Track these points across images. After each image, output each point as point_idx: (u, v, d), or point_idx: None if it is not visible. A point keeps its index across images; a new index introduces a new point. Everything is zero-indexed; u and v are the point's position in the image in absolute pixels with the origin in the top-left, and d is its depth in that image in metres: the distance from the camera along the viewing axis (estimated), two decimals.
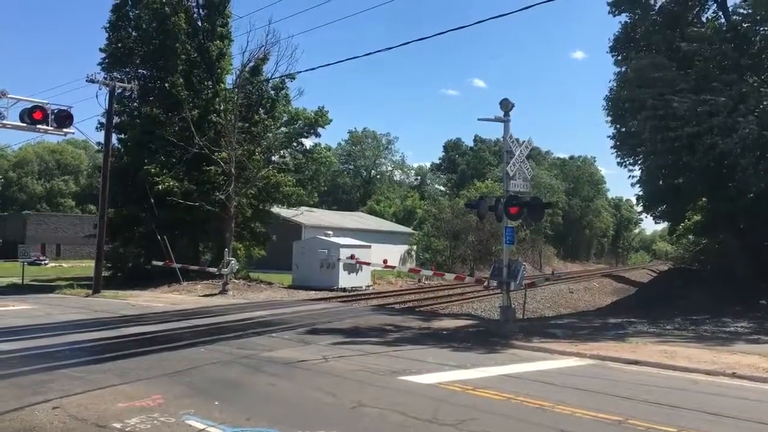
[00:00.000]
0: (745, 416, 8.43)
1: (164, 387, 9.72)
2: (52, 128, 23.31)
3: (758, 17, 25.58)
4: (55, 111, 23.21)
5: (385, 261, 32.06)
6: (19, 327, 17.13)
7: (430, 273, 26.83)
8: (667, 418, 8.16)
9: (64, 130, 24.05)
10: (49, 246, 78.43)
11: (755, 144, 23.60)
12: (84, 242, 62.58)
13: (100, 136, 33.53)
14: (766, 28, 25.61)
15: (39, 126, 22.89)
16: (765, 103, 23.89)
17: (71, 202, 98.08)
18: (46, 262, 65.80)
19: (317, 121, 37.93)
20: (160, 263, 31.10)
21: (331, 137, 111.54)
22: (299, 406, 8.85)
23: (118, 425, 7.74)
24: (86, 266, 49.71)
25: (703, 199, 33.63)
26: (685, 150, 24.99)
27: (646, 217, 73.37)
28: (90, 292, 28.76)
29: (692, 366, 11.91)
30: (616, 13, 30.06)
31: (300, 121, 37.95)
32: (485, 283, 23.31)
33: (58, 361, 11.79)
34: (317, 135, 39.02)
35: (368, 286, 36.72)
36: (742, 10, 27.08)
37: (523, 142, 17.98)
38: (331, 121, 38.28)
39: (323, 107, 38.08)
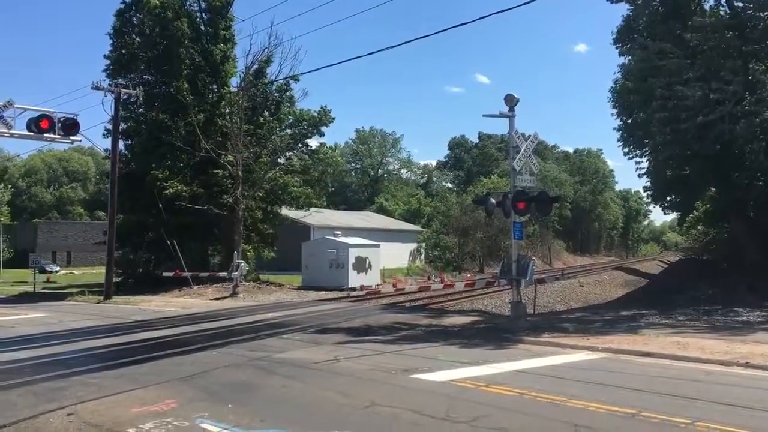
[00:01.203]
0: (760, 406, 8.39)
1: (177, 391, 9.76)
2: (59, 136, 23.40)
3: (760, 3, 25.43)
4: (62, 119, 23.29)
5: (395, 285, 32.25)
6: (33, 335, 17.24)
7: (440, 286, 26.95)
8: (680, 410, 8.12)
9: (71, 138, 24.14)
10: (59, 253, 78.85)
11: (764, 130, 23.54)
12: (94, 249, 62.86)
13: (107, 143, 33.74)
14: (766, 14, 25.47)
15: (46, 135, 22.97)
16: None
17: (80, 210, 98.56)
18: (57, 269, 66.21)
19: (321, 120, 37.94)
20: (170, 274, 31.08)
21: (337, 137, 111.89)
22: (312, 407, 8.86)
23: (132, 430, 7.78)
24: (97, 273, 49.98)
25: (712, 188, 33.49)
26: (694, 139, 24.90)
27: (654, 207, 73.23)
28: (101, 298, 28.94)
29: (705, 357, 11.86)
30: (615, 0, 29.85)
31: (304, 122, 37.96)
32: (495, 282, 23.37)
33: (71, 368, 11.85)
34: (321, 134, 39.05)
35: (378, 285, 36.73)
36: None
37: (529, 136, 17.96)
38: (333, 119, 38.21)
39: (326, 106, 38.15)
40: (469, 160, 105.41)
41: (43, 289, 38.48)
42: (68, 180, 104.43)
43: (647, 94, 26.42)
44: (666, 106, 25.06)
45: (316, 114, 37.88)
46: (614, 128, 33.80)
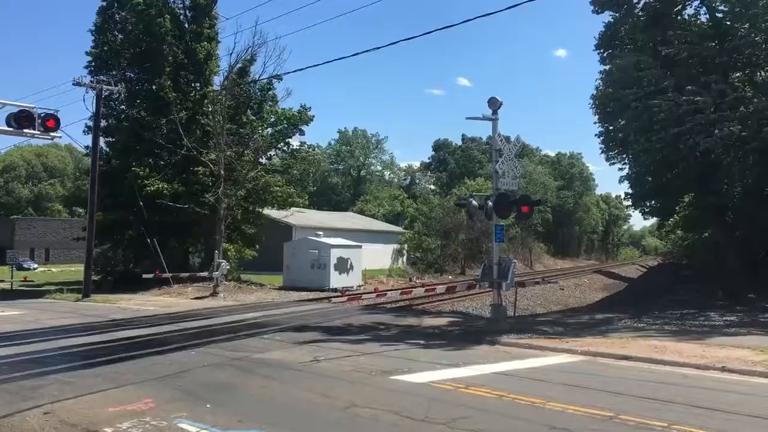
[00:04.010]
0: (735, 410, 8.49)
1: (156, 391, 9.69)
2: (39, 132, 23.05)
3: (737, 11, 25.67)
4: (42, 115, 22.95)
5: (376, 289, 32.22)
6: (9, 333, 17.01)
7: (421, 291, 27.02)
8: (657, 413, 8.21)
9: (51, 134, 23.79)
10: (38, 250, 77.91)
11: (736, 143, 23.79)
12: (73, 246, 62.25)
13: (88, 140, 33.44)
14: (746, 25, 25.76)
15: (26, 130, 22.64)
16: (746, 102, 24.00)
17: (58, 206, 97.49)
18: (35, 267, 65.45)
19: (301, 118, 37.84)
20: (150, 275, 30.79)
21: (320, 137, 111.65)
22: (291, 408, 8.84)
23: (109, 430, 7.72)
24: (76, 270, 49.47)
25: (691, 194, 33.86)
26: (669, 149, 25.18)
27: (634, 211, 74.00)
28: (80, 296, 28.62)
29: (682, 360, 11.99)
30: (599, 11, 30.00)
31: (285, 121, 37.82)
32: (477, 286, 23.46)
33: (48, 367, 11.72)
34: (302, 133, 38.95)
35: (359, 286, 36.73)
36: (723, 7, 27.24)
37: (512, 140, 18.06)
38: (313, 117, 38.05)
39: (305, 105, 38.06)
40: (453, 162, 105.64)
41: (21, 286, 38.01)
42: (47, 176, 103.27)
43: (624, 103, 26.69)
44: (640, 116, 25.31)
45: (296, 113, 37.77)
46: (595, 134, 34.08)
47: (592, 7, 30.00)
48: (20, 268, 49.66)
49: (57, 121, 23.53)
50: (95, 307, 24.69)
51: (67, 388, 9.91)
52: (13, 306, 25.46)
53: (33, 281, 43.38)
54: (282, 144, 39.10)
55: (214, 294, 29.29)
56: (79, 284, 30.87)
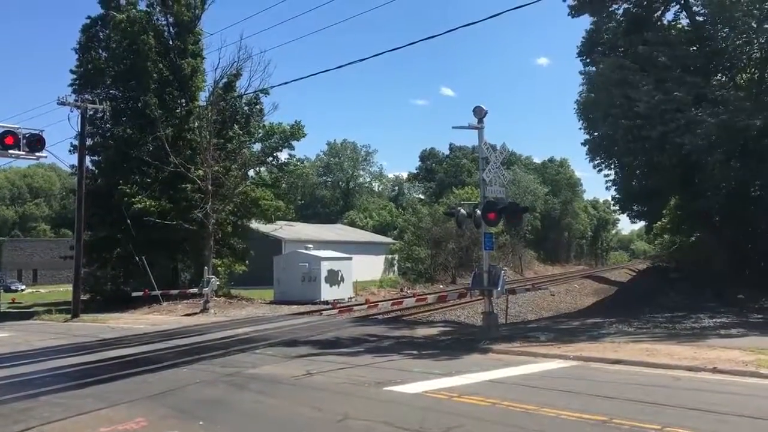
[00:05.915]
0: (727, 410, 8.52)
1: (147, 409, 9.60)
2: (24, 153, 23.02)
3: (715, 16, 25.98)
4: (27, 135, 22.93)
5: (367, 300, 32.13)
6: None
7: (412, 300, 27.07)
8: (650, 416, 8.22)
9: (37, 154, 23.76)
10: (25, 271, 77.30)
11: (719, 143, 23.96)
12: (61, 266, 61.76)
13: (73, 159, 33.42)
14: (725, 29, 26.05)
15: (10, 151, 22.60)
16: (727, 104, 24.18)
17: (44, 226, 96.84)
18: (23, 288, 64.93)
19: (293, 134, 37.92)
20: (140, 293, 30.60)
21: (308, 148, 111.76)
22: (285, 422, 8.79)
23: None
24: (64, 291, 49.11)
25: (677, 197, 34.11)
26: (655, 150, 25.34)
27: (622, 215, 74.46)
28: (69, 316, 28.40)
29: (673, 363, 12.04)
30: (575, 14, 30.14)
31: (276, 136, 37.87)
32: (468, 295, 23.51)
33: (38, 388, 11.59)
34: (292, 148, 39.04)
35: (351, 298, 36.66)
36: (702, 11, 27.56)
37: (499, 148, 18.15)
38: (305, 134, 38.28)
39: (299, 121, 38.22)
40: (441, 171, 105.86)
41: (9, 308, 37.66)
42: (32, 197, 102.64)
43: (610, 105, 26.87)
44: (625, 115, 25.47)
45: (288, 128, 37.84)
46: (581, 143, 34.33)
47: (569, 11, 30.14)
48: (8, 289, 49.30)
49: (42, 141, 23.48)
50: (85, 327, 24.50)
51: (58, 409, 9.80)
52: (1, 328, 25.23)
53: (21, 303, 42.97)
54: (271, 158, 39.17)
55: (204, 310, 29.14)
56: (68, 304, 30.64)
